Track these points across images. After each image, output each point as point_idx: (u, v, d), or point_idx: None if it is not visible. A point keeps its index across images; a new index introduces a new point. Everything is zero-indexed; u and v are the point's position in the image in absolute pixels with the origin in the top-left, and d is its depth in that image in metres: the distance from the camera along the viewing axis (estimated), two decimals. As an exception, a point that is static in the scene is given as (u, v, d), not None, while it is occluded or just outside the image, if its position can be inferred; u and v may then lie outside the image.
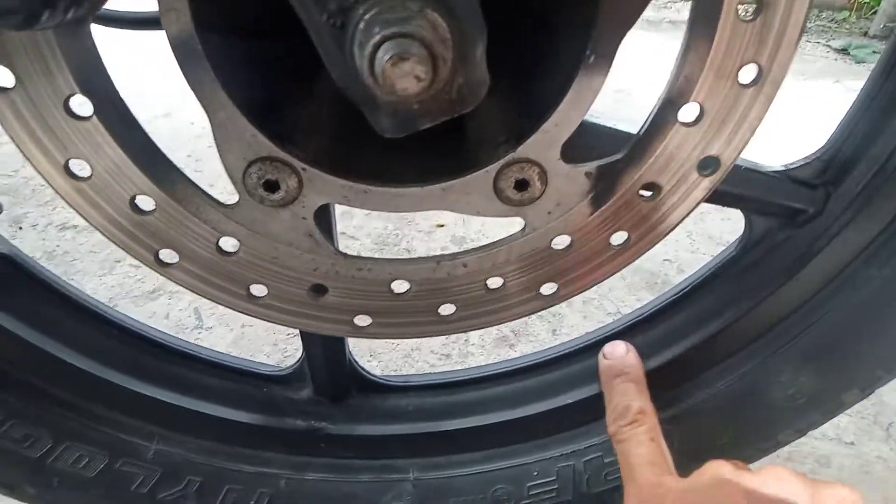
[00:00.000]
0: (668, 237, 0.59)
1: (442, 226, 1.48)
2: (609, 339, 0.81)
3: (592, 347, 0.81)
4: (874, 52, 2.72)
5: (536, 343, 1.22)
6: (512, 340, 1.23)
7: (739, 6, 0.48)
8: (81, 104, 0.48)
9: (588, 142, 0.55)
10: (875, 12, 2.89)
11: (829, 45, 2.70)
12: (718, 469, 0.56)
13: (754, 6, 0.48)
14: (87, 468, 0.73)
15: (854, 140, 0.69)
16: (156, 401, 0.75)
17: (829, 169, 0.70)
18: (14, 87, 0.46)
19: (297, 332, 1.24)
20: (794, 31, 0.49)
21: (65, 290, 0.73)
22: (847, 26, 2.74)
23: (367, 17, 0.36)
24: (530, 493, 0.82)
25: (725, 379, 0.77)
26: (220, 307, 1.18)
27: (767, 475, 0.55)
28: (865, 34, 2.65)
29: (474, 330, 0.64)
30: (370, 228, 1.37)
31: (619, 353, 0.68)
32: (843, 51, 2.60)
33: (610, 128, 0.58)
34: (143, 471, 0.75)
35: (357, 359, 0.82)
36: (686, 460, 0.78)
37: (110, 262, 1.40)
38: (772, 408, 0.76)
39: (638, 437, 0.62)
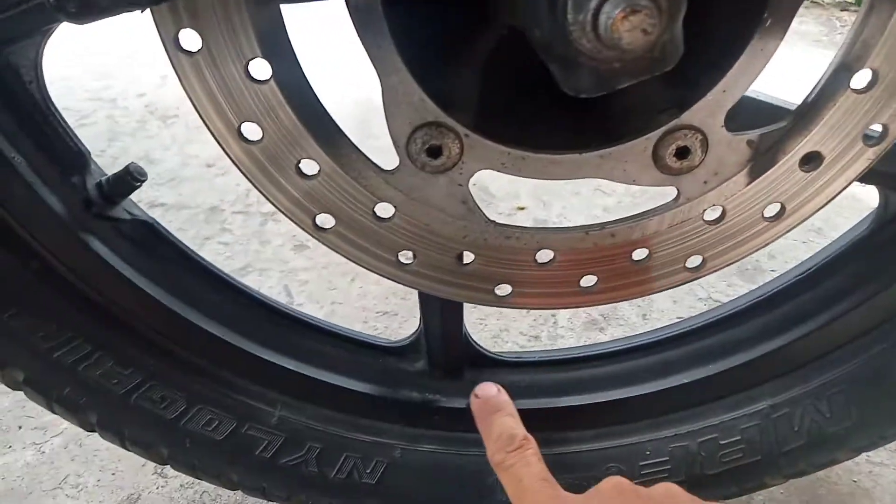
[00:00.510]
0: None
1: (523, 208, 1.48)
2: (732, 317, 0.80)
3: (711, 327, 0.80)
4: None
5: (626, 327, 1.21)
6: (601, 324, 1.22)
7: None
8: (261, 68, 0.49)
9: (745, 113, 0.54)
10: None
11: None
12: (617, 479, 0.58)
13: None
14: (216, 431, 0.75)
15: None
16: (280, 368, 0.77)
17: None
18: (199, 49, 0.48)
19: (385, 310, 1.26)
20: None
21: (197, 258, 0.75)
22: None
23: (587, -30, 0.36)
24: (642, 472, 0.82)
25: (855, 360, 0.75)
26: (310, 284, 1.20)
27: (659, 490, 0.56)
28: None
29: (614, 302, 0.64)
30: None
31: (491, 392, 0.69)
32: None
33: (765, 100, 0.57)
34: (268, 436, 0.77)
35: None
36: (808, 445, 0.77)
37: (200, 240, 1.44)
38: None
39: (526, 459, 0.62)
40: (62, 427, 1.06)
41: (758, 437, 0.78)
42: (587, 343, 1.18)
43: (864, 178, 0.67)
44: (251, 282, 1.34)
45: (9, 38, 0.60)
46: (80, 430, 1.03)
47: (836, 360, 0.76)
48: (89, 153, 0.68)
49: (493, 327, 1.21)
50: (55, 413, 0.72)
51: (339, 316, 1.26)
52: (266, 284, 1.33)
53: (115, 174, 0.68)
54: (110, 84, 2.15)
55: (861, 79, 0.51)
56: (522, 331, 1.21)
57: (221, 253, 1.41)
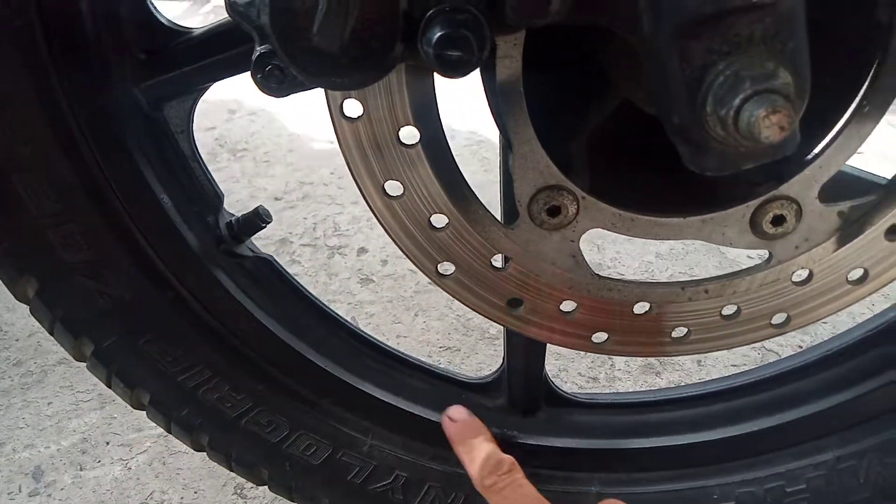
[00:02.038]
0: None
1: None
2: (797, 371, 0.84)
3: (784, 376, 0.84)
4: None
5: (682, 373, 1.25)
6: (657, 369, 1.26)
7: None
8: (411, 133, 0.56)
9: (837, 184, 0.59)
10: None
11: None
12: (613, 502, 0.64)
13: None
14: (313, 456, 0.81)
15: None
16: (373, 398, 0.83)
17: None
18: (359, 116, 0.55)
19: (447, 346, 1.31)
20: None
21: (305, 293, 0.81)
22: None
23: (728, 72, 0.42)
24: (710, 515, 0.85)
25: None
26: (375, 318, 1.26)
27: None
28: None
29: (702, 353, 0.69)
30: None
31: (464, 415, 0.74)
32: None
33: (857, 174, 0.62)
34: (359, 462, 0.82)
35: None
36: (873, 496, 0.80)
37: (271, 271, 1.51)
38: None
39: (518, 482, 0.67)
40: (147, 445, 1.12)
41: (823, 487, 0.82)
42: (645, 388, 1.22)
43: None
44: (319, 313, 1.40)
45: (171, 94, 0.68)
46: (165, 448, 1.10)
47: (903, 416, 0.79)
48: (223, 196, 0.75)
49: (552, 367, 1.26)
50: (171, 433, 0.78)
51: (404, 349, 1.30)
52: (333, 317, 1.39)
53: (244, 215, 0.75)
54: (179, 117, 2.26)
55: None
56: (581, 371, 1.26)
57: (290, 284, 1.48)
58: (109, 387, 0.74)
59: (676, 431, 0.86)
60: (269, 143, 2.10)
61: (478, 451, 0.71)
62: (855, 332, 0.82)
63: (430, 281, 0.64)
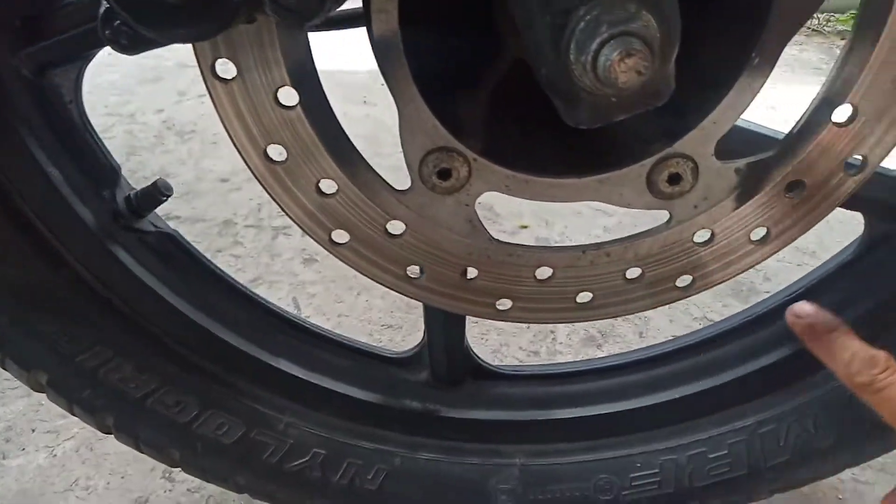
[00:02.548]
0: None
1: (525, 227, 1.52)
2: (716, 338, 0.84)
3: (697, 346, 0.84)
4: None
5: (623, 344, 1.25)
6: (599, 340, 1.26)
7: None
8: (289, 95, 0.53)
9: (735, 140, 0.58)
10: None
11: None
12: None
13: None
14: (226, 435, 0.79)
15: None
16: (289, 376, 0.81)
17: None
18: (234, 77, 0.52)
19: (389, 323, 1.30)
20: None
21: (214, 268, 0.79)
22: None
23: (588, 17, 0.40)
24: (633, 483, 0.85)
25: (834, 382, 0.78)
26: (317, 298, 1.24)
27: None
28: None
29: (609, 318, 0.68)
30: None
31: (811, 309, 0.67)
32: None
33: (753, 129, 0.61)
34: (275, 441, 0.80)
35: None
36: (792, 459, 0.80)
37: (212, 252, 1.48)
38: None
39: None
40: (74, 431, 1.09)
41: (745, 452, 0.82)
42: (584, 358, 1.21)
43: (849, 204, 0.71)
44: (261, 293, 1.37)
45: (55, 60, 0.64)
46: (92, 434, 1.07)
47: (820, 379, 0.79)
48: (120, 168, 0.72)
49: (493, 342, 1.25)
50: (75, 415, 0.76)
51: (345, 328, 1.29)
52: (275, 297, 1.37)
53: (143, 189, 0.72)
54: (129, 100, 2.21)
55: (842, 113, 0.55)
56: (522, 346, 1.25)
57: (233, 265, 1.45)
58: (4, 369, 0.71)
59: (599, 401, 0.86)
60: (218, 125, 2.02)
61: (840, 348, 0.63)
62: (771, 300, 0.82)
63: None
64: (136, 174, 1.79)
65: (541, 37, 0.42)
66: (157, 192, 0.72)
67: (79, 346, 0.71)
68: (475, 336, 1.24)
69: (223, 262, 1.45)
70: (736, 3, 0.53)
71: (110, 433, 0.77)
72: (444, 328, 0.80)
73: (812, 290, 0.79)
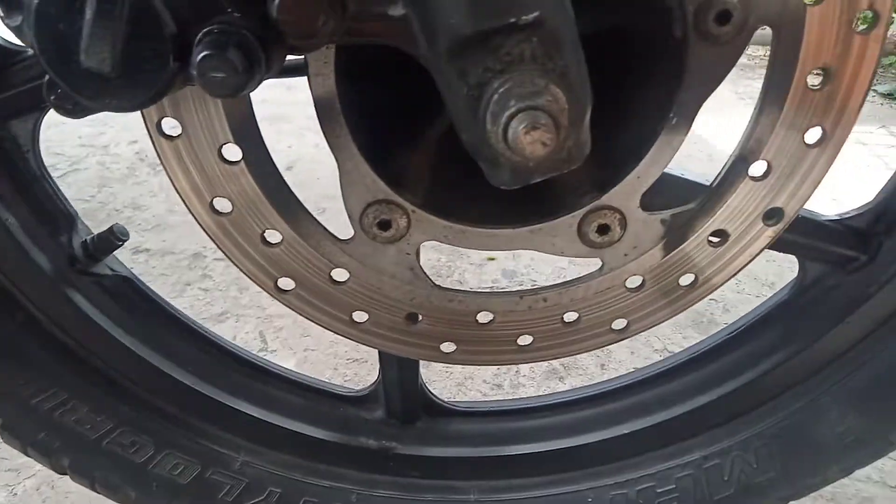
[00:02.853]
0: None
1: (492, 259, 1.55)
2: (660, 376, 0.86)
3: (645, 383, 0.86)
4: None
5: (585, 377, 1.27)
6: (561, 373, 1.28)
7: (809, 77, 0.54)
8: (232, 151, 0.56)
9: (662, 190, 0.61)
10: (920, 60, 2.94)
11: (875, 90, 2.76)
12: None
13: (823, 75, 0.55)
14: (182, 475, 0.80)
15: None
16: (244, 415, 0.82)
17: (882, 219, 0.75)
18: (179, 135, 0.54)
19: (356, 357, 1.31)
20: (857, 98, 0.55)
21: (171, 309, 0.80)
22: (893, 71, 2.79)
23: (501, 90, 0.43)
24: (586, 518, 0.87)
25: (777, 415, 0.81)
26: (284, 331, 1.25)
27: None
28: (911, 79, 2.70)
29: (549, 360, 0.70)
30: (424, 260, 1.43)
31: None
32: (890, 96, 2.66)
33: (682, 178, 0.64)
34: (231, 480, 0.81)
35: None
36: (737, 493, 0.83)
37: (181, 285, 1.49)
38: (820, 445, 0.81)
39: None
40: (35, 469, 1.09)
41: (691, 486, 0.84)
42: (546, 392, 1.23)
43: (783, 248, 0.75)
44: (229, 327, 1.39)
45: (13, 112, 0.66)
46: (53, 472, 1.07)
47: (761, 414, 0.82)
48: (77, 214, 0.74)
49: (458, 376, 1.27)
50: (29, 456, 0.76)
51: (311, 362, 1.31)
52: (243, 330, 1.38)
53: (99, 234, 0.74)
54: (103, 131, 2.22)
55: (758, 168, 0.59)
56: (486, 379, 1.27)
57: (201, 298, 1.46)
58: (-42, 412, 0.72)
59: (551, 437, 0.88)
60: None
61: None
62: (717, 336, 0.85)
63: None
64: (108, 206, 1.80)
65: (460, 106, 0.45)
66: (114, 237, 0.74)
67: (34, 389, 0.72)
68: (440, 370, 1.26)
69: (192, 296, 1.46)
70: (654, 70, 0.56)
71: (66, 474, 0.77)
72: (399, 367, 0.82)
73: (751, 328, 0.82)
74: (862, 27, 0.52)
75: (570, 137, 0.46)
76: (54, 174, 0.75)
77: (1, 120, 0.67)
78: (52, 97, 0.47)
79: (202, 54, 0.40)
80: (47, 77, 0.46)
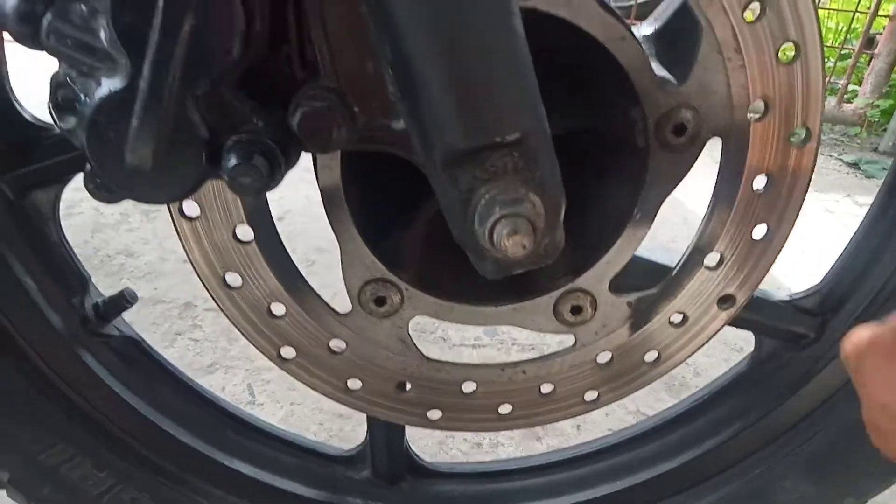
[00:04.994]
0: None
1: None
2: (631, 441, 0.92)
3: (615, 448, 0.92)
4: (883, 168, 2.86)
5: (562, 437, 1.32)
6: (539, 433, 1.33)
7: (754, 181, 0.62)
8: (245, 232, 0.62)
9: (630, 271, 0.68)
10: (885, 129, 3.08)
11: (841, 159, 2.87)
12: None
13: (766, 180, 0.63)
14: (175, 530, 0.83)
15: (849, 276, 0.81)
16: (238, 473, 0.86)
17: (828, 300, 0.82)
18: (198, 216, 0.61)
19: (340, 413, 1.35)
20: (798, 199, 0.63)
21: (172, 370, 0.85)
22: (859, 141, 2.93)
23: (487, 196, 0.50)
24: (560, 578, 0.91)
25: (734, 482, 0.87)
26: (271, 384, 1.29)
27: None
28: (875, 150, 2.83)
29: (527, 427, 0.76)
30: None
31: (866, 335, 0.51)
32: (855, 165, 2.78)
33: (648, 260, 0.71)
34: (223, 536, 0.85)
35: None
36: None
37: (171, 335, 1.53)
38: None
39: None
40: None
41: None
42: (523, 454, 1.28)
43: (740, 324, 0.82)
44: (217, 379, 1.42)
45: (37, 183, 0.72)
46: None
47: (723, 480, 0.87)
48: (90, 278, 0.79)
49: (439, 434, 1.31)
50: (32, 510, 0.80)
51: (297, 416, 1.34)
52: (231, 382, 1.42)
53: (110, 297, 0.79)
54: (96, 180, 2.28)
55: (712, 259, 0.66)
56: (466, 437, 1.31)
57: (191, 349, 1.50)
58: (-35, 466, 0.76)
59: (528, 498, 0.92)
60: (186, 209, 2.13)
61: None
62: (681, 405, 0.91)
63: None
64: (100, 252, 1.84)
65: (452, 207, 0.52)
66: (123, 300, 0.80)
67: (42, 444, 0.76)
68: (422, 430, 1.30)
69: (182, 346, 1.50)
70: (621, 171, 0.64)
71: (64, 528, 0.80)
72: (385, 429, 0.87)
73: (711, 398, 0.88)
74: (797, 141, 0.60)
75: (546, 237, 0.53)
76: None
77: (25, 190, 0.73)
78: (91, 185, 0.53)
79: (232, 162, 0.47)
80: (88, 167, 0.53)
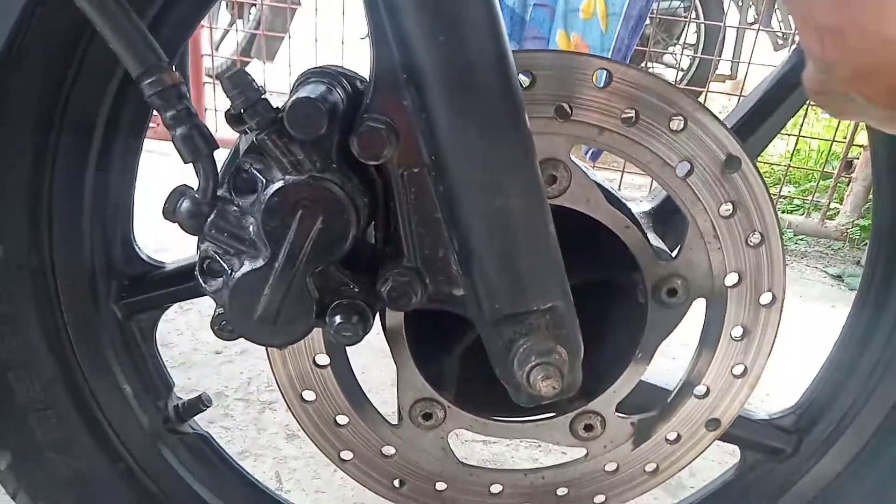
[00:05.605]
0: (685, 467, 0.85)
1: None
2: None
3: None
4: (865, 283, 3.00)
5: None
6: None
7: (732, 331, 0.78)
8: (322, 359, 0.77)
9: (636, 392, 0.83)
10: (866, 244, 3.27)
11: (826, 272, 2.98)
12: None
13: (742, 331, 0.78)
14: None
15: (822, 396, 0.95)
16: (285, 557, 0.97)
17: (802, 420, 0.96)
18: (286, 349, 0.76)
19: (363, 502, 1.46)
20: (767, 346, 0.78)
21: (234, 463, 0.98)
22: (842, 255, 3.07)
23: (524, 346, 0.65)
24: None
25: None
26: (297, 472, 1.41)
27: None
28: (858, 263, 2.98)
29: (544, 525, 0.88)
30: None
31: None
32: (839, 277, 2.88)
33: (650, 384, 0.86)
34: None
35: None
36: None
37: (203, 423, 1.63)
38: None
39: None
40: None
41: None
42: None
43: (727, 439, 0.95)
44: (247, 465, 1.51)
45: (143, 309, 0.87)
46: None
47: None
48: (174, 383, 0.93)
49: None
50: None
51: (322, 503, 1.45)
52: (260, 469, 1.52)
53: (189, 400, 0.93)
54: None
55: (700, 390, 0.81)
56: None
57: (222, 437, 1.61)
58: (58, 546, 0.87)
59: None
60: (214, 295, 2.27)
61: None
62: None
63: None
64: (137, 341, 1.98)
65: (497, 352, 0.67)
66: (200, 403, 0.93)
67: (120, 529, 0.88)
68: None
69: (214, 433, 1.59)
70: (626, 319, 0.79)
71: None
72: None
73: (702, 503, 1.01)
74: (766, 303, 0.76)
75: (569, 377, 0.68)
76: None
77: (133, 314, 0.88)
78: (216, 327, 0.69)
79: (337, 322, 0.62)
80: (216, 312, 0.68)
